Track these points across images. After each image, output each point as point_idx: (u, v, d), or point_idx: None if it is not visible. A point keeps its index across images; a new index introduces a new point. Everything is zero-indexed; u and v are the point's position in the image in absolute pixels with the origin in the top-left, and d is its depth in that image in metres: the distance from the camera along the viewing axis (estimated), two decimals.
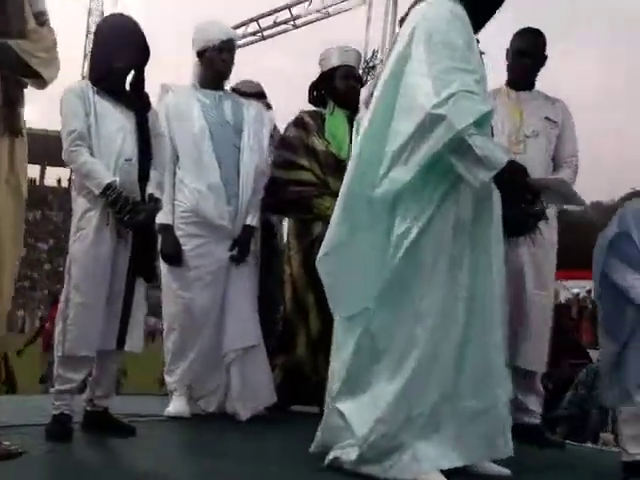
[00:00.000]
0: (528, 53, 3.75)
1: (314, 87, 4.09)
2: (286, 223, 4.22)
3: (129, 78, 3.18)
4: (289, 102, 4.33)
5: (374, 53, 8.43)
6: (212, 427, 3.52)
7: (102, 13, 51.15)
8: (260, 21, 11.16)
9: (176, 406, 3.64)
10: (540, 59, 3.81)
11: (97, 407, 3.13)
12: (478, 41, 2.79)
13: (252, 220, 3.75)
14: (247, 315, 3.72)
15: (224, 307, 3.68)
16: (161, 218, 3.51)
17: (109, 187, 2.99)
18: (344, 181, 2.76)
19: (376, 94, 2.75)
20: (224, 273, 3.68)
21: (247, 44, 11.27)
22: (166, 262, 3.68)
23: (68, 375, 3.00)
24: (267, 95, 4.37)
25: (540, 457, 3.32)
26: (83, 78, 3.43)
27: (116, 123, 3.09)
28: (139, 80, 3.20)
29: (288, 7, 10.88)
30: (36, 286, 41.00)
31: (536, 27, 3.81)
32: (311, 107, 4.11)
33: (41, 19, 2.68)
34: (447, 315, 2.58)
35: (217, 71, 3.74)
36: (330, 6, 10.41)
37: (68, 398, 3.01)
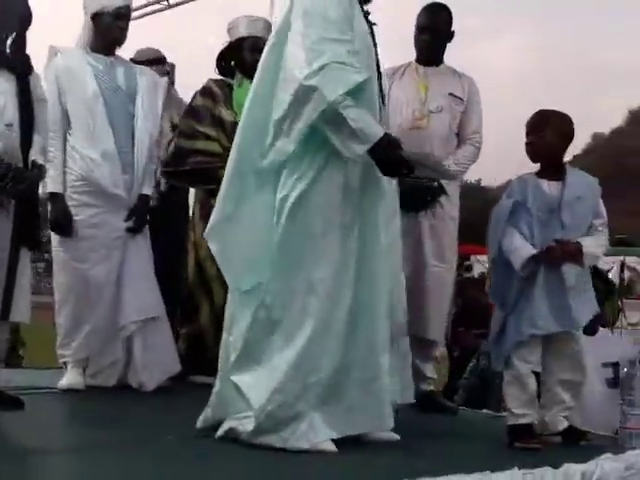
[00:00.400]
0: (428, 28, 3.76)
1: (222, 56, 4.04)
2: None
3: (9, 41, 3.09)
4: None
5: None
6: (107, 399, 3.50)
7: None
8: None
9: (69, 378, 3.59)
10: (442, 34, 3.81)
11: None
12: (368, 13, 2.80)
13: (148, 189, 3.71)
14: (145, 286, 3.68)
15: (121, 279, 3.63)
16: (50, 186, 3.47)
17: None
18: (231, 153, 2.75)
19: (261, 62, 2.75)
20: (121, 244, 3.63)
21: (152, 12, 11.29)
22: (56, 232, 3.61)
23: None
24: (166, 60, 4.31)
25: (433, 423, 3.39)
26: None
27: None
28: (20, 43, 3.11)
29: None
30: None
31: (442, 2, 3.81)
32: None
33: None
34: (339, 284, 2.59)
35: (113, 38, 3.67)
36: None
37: None
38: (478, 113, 3.82)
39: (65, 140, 3.58)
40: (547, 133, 3.08)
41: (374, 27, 2.82)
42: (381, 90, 2.80)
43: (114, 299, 3.63)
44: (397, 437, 2.74)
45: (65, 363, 3.68)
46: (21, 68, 3.11)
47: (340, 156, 2.58)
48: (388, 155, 2.57)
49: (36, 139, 3.09)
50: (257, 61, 3.78)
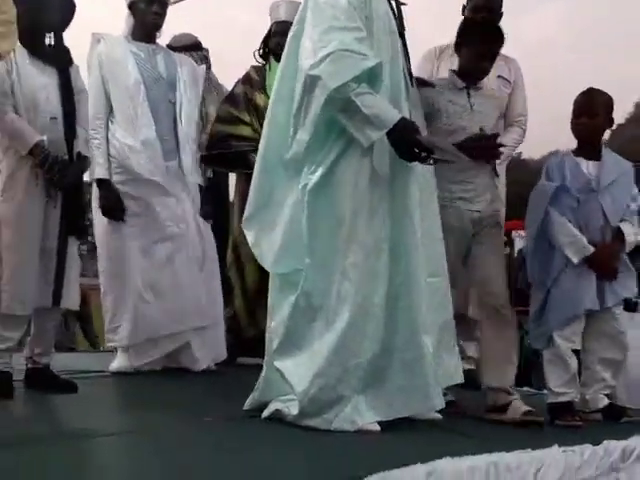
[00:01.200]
0: (485, 8, 3.71)
1: (264, 41, 4.07)
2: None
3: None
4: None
5: None
6: (156, 381, 3.57)
7: None
8: None
9: (119, 362, 3.69)
10: (497, 15, 3.76)
11: (37, 364, 3.18)
12: None
13: (199, 178, 3.79)
14: (203, 288, 3.73)
15: (178, 276, 3.66)
16: (98, 172, 3.53)
17: (37, 146, 2.99)
18: (260, 144, 2.81)
19: (283, 54, 2.81)
20: (169, 234, 3.65)
21: None
22: (107, 216, 3.65)
23: (5, 334, 3.03)
24: (202, 46, 4.36)
25: (474, 401, 3.41)
26: None
27: (39, 80, 3.08)
28: (60, 38, 3.19)
29: None
30: None
31: None
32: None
33: None
34: (372, 269, 2.61)
35: (148, 23, 3.70)
36: None
37: (6, 356, 3.04)
38: (523, 96, 3.85)
39: (107, 127, 3.64)
40: (600, 115, 3.11)
41: (402, 7, 2.82)
42: (409, 71, 2.80)
43: (165, 293, 3.65)
44: (439, 417, 2.76)
45: (115, 347, 3.78)
46: (62, 61, 3.19)
47: (359, 143, 2.60)
48: (404, 139, 2.57)
49: (79, 131, 3.18)
50: (278, 45, 3.76)
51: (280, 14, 3.98)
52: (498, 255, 3.10)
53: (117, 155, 3.63)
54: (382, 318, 2.62)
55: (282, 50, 3.80)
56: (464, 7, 3.81)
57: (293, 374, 2.64)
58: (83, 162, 3.18)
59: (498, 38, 3.09)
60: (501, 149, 3.18)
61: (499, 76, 3.73)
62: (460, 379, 2.85)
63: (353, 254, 2.61)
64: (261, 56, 4.07)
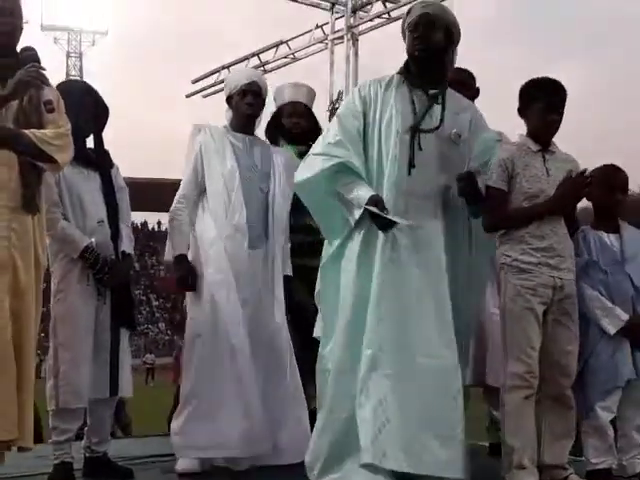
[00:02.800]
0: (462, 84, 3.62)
1: (270, 124, 4.21)
2: None
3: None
4: None
5: (339, 94, 8.68)
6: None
7: (80, 55, 51.55)
8: (231, 68, 11.48)
9: (185, 462, 3.48)
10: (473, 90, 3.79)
11: (95, 453, 3.35)
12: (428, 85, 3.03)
13: (289, 270, 3.75)
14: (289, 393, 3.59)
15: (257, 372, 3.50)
16: (176, 251, 3.57)
17: (87, 250, 3.23)
18: None
19: None
20: (246, 319, 3.51)
21: (220, 90, 11.66)
22: (180, 287, 3.60)
23: (64, 426, 3.21)
24: None
25: None
26: None
27: (84, 186, 3.32)
28: (100, 141, 3.45)
29: (257, 54, 11.25)
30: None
31: None
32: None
33: (49, 107, 2.90)
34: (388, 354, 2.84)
35: (243, 114, 3.71)
36: (296, 51, 10.78)
37: (67, 447, 3.22)
38: None
39: (194, 210, 3.65)
40: (625, 192, 3.27)
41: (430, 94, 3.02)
42: (412, 155, 2.95)
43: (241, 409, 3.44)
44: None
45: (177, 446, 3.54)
46: (104, 165, 3.44)
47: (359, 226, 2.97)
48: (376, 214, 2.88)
49: (123, 229, 3.42)
50: (293, 124, 4.10)
51: (285, 96, 4.17)
52: (575, 330, 3.08)
53: (207, 238, 3.60)
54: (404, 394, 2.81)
55: (301, 132, 4.06)
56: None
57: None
58: (129, 260, 3.43)
59: (559, 88, 3.13)
60: None
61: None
62: (453, 474, 2.79)
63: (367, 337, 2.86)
64: (269, 138, 4.17)
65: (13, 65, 2.83)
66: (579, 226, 3.28)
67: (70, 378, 3.18)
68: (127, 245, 3.42)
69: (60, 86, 3.22)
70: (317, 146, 3.08)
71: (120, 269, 3.34)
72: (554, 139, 3.18)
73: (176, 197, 3.63)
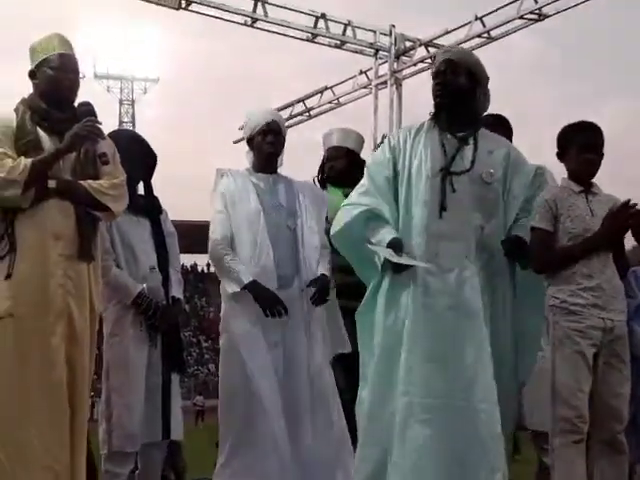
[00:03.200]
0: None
1: (320, 169, 4.29)
2: None
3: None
4: None
5: (383, 138, 8.77)
6: None
7: (132, 102, 52.92)
8: (248, 110, 11.74)
9: None
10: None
11: None
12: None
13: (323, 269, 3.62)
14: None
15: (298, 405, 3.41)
16: (243, 278, 3.41)
17: (139, 296, 3.32)
18: None
19: None
20: (279, 361, 3.40)
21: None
22: (265, 307, 3.39)
23: (116, 470, 3.27)
24: None
25: None
26: None
27: (135, 233, 3.43)
28: (149, 188, 3.57)
29: (302, 100, 11.43)
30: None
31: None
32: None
33: (104, 159, 3.03)
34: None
35: (265, 153, 3.68)
36: (341, 96, 10.94)
37: None
38: None
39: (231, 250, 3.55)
40: None
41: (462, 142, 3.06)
42: (443, 198, 2.98)
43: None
44: None
45: None
46: (154, 211, 3.56)
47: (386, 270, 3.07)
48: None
49: (173, 274, 3.51)
50: (330, 168, 4.14)
51: (333, 140, 4.23)
52: (626, 373, 3.04)
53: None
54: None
55: (336, 174, 4.12)
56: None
57: None
58: (179, 305, 3.52)
59: (593, 129, 3.20)
60: None
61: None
62: None
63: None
64: (319, 182, 4.24)
65: (70, 119, 2.97)
66: (630, 266, 3.26)
67: (123, 422, 3.25)
68: (177, 290, 3.51)
69: (110, 135, 3.32)
70: (349, 198, 3.19)
71: (171, 314, 3.43)
72: (597, 182, 3.19)
73: (211, 244, 3.51)
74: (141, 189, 3.60)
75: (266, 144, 3.65)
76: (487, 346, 2.85)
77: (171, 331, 3.44)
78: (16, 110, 3.00)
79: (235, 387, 3.38)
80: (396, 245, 2.93)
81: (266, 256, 3.48)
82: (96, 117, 3.01)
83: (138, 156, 3.50)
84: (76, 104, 3.07)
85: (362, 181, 3.16)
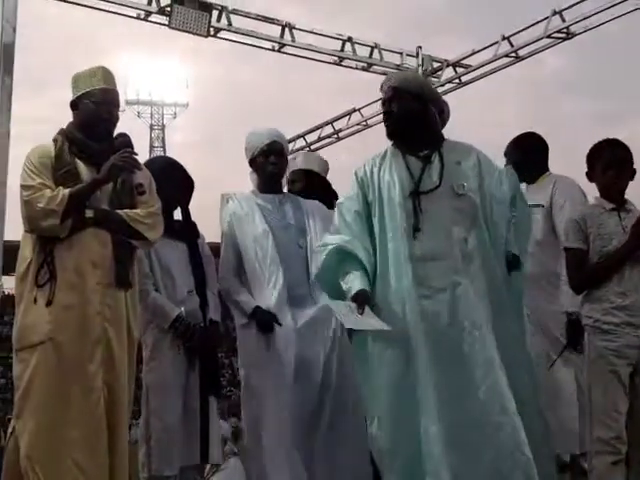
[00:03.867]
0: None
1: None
2: None
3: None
4: None
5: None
6: None
7: (163, 127, 53.45)
8: (306, 137, 11.77)
9: None
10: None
11: None
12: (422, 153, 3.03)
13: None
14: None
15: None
16: (248, 308, 3.48)
17: (177, 319, 3.37)
18: None
19: None
20: (294, 376, 3.38)
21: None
22: (261, 327, 3.45)
23: None
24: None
25: None
26: None
27: (173, 257, 3.48)
28: (186, 213, 3.63)
29: (331, 122, 11.51)
30: None
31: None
32: None
33: (140, 189, 3.10)
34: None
35: (269, 174, 3.67)
36: (369, 118, 10.99)
37: None
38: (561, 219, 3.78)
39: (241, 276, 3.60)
40: None
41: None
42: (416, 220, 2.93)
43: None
44: None
45: None
46: (191, 236, 3.60)
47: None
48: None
49: (210, 298, 3.55)
50: (291, 190, 3.94)
51: (296, 164, 4.15)
52: None
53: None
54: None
55: (296, 194, 3.89)
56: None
57: None
58: (216, 328, 3.54)
59: (618, 146, 3.22)
60: None
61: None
62: None
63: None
64: None
65: (108, 150, 3.04)
66: None
67: (162, 445, 3.29)
68: (214, 313, 3.54)
69: (146, 163, 3.37)
70: (322, 239, 3.16)
71: (209, 337, 3.46)
72: (631, 199, 3.20)
73: (220, 279, 3.59)
74: (178, 214, 3.65)
75: (269, 164, 3.66)
76: (496, 355, 2.75)
77: (208, 354, 3.48)
78: (55, 141, 3.08)
79: (255, 421, 3.38)
80: (358, 298, 2.83)
81: (276, 278, 3.48)
82: (133, 148, 3.07)
83: (175, 181, 3.55)
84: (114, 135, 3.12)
85: (333, 220, 3.11)
